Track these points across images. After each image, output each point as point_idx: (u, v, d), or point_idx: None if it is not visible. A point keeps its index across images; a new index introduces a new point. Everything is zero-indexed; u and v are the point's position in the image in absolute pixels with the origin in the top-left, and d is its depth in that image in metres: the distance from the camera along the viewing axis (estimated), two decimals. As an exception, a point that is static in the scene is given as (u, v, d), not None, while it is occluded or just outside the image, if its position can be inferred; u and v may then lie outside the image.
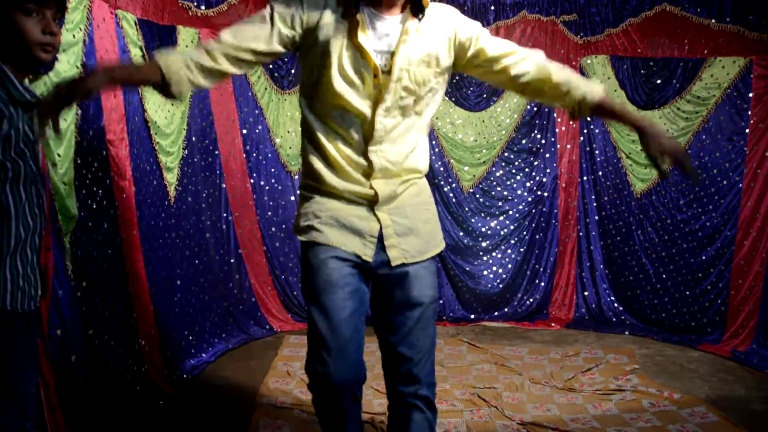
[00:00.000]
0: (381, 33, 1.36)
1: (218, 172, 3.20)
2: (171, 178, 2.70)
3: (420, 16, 1.36)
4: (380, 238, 1.42)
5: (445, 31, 1.39)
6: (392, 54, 1.35)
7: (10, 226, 1.30)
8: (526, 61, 1.42)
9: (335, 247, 1.39)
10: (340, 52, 1.33)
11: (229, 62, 1.34)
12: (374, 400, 2.55)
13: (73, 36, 1.89)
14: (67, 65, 1.85)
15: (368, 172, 1.40)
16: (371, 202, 1.42)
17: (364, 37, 1.33)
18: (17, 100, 1.34)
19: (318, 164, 1.41)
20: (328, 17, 1.33)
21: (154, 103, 2.50)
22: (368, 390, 2.64)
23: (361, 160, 1.39)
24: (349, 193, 1.41)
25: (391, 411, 1.55)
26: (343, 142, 1.39)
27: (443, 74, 1.43)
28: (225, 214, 3.27)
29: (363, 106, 1.36)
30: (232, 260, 3.32)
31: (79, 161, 1.93)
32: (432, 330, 1.48)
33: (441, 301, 3.68)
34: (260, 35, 1.34)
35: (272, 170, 3.53)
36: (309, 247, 1.42)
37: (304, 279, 1.43)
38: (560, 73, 1.44)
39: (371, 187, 1.40)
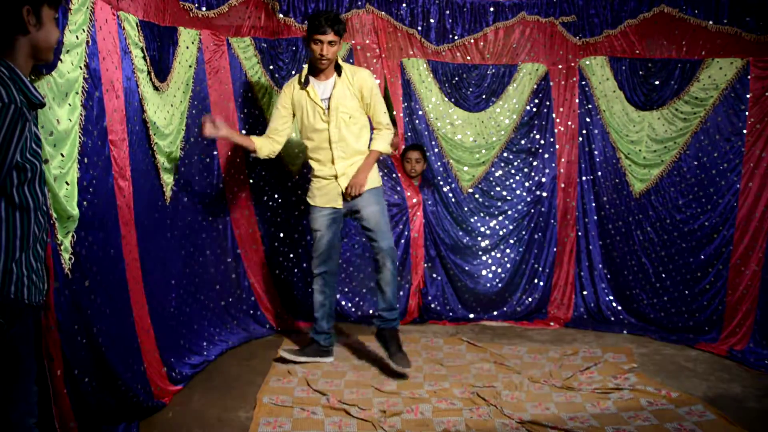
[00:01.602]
0: (322, 90, 2.75)
1: (216, 172, 3.21)
2: (168, 178, 2.71)
3: (340, 74, 2.73)
4: (342, 195, 2.82)
5: (355, 81, 2.74)
6: (329, 98, 2.74)
7: (30, 224, 1.37)
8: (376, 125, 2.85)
9: (321, 207, 2.85)
10: (306, 105, 2.78)
11: (279, 134, 2.86)
12: (374, 399, 2.57)
13: (77, 37, 1.91)
14: (70, 66, 1.86)
15: (332, 159, 2.78)
16: (335, 177, 2.80)
17: (314, 95, 2.75)
18: (33, 102, 1.37)
19: (311, 160, 2.87)
20: (296, 92, 2.79)
21: (154, 104, 2.52)
22: (368, 389, 2.66)
23: (328, 154, 2.78)
24: (324, 174, 2.82)
25: (375, 264, 2.86)
26: (317, 147, 2.81)
27: (360, 105, 2.77)
28: (222, 215, 3.28)
29: (323, 126, 2.75)
30: (230, 259, 3.33)
31: (85, 161, 1.95)
32: (385, 220, 2.84)
33: (440, 301, 3.70)
34: (280, 118, 2.84)
35: (272, 170, 3.54)
36: (310, 206, 2.90)
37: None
38: (378, 136, 2.84)
39: (334, 168, 2.79)
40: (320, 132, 2.73)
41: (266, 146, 2.81)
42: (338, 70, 2.70)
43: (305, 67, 2.77)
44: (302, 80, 2.72)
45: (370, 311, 3.63)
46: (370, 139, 2.82)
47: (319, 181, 2.81)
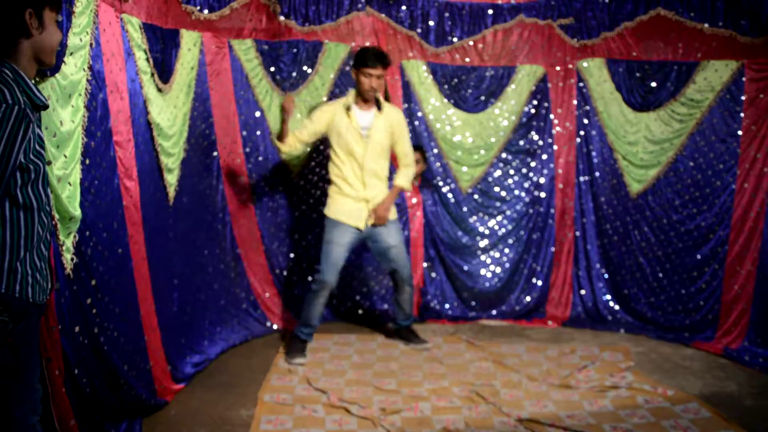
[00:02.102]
0: (362, 118, 2.98)
1: (216, 173, 3.23)
2: (171, 179, 2.73)
3: (380, 109, 2.99)
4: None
5: (390, 119, 3.00)
6: (369, 129, 2.97)
7: (34, 224, 1.39)
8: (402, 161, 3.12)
9: (344, 224, 3.00)
10: (346, 129, 2.96)
11: (302, 141, 3.03)
12: (374, 397, 2.60)
13: (80, 39, 1.93)
14: (74, 68, 1.88)
15: (363, 184, 3.00)
16: (365, 200, 3.01)
17: (356, 122, 2.96)
18: (36, 104, 1.39)
19: (338, 179, 3.03)
20: (339, 115, 2.97)
21: (157, 105, 2.54)
22: (368, 387, 2.69)
23: (359, 179, 3.00)
24: (353, 195, 3.02)
25: (395, 286, 3.19)
26: (348, 170, 3.00)
27: (390, 137, 3.01)
28: (221, 215, 3.30)
29: (359, 151, 2.97)
30: (229, 259, 3.35)
31: (88, 162, 1.97)
32: (405, 252, 3.18)
33: (439, 300, 3.72)
34: (312, 129, 3.02)
35: (273, 171, 3.56)
36: (331, 220, 3.03)
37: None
38: (403, 172, 3.10)
39: (365, 192, 3.00)
40: (355, 157, 2.94)
41: (291, 141, 2.97)
42: (377, 104, 2.98)
43: (351, 92, 3.01)
44: (347, 106, 2.95)
45: (370, 310, 3.65)
46: (392, 174, 3.10)
47: (345, 200, 2.98)
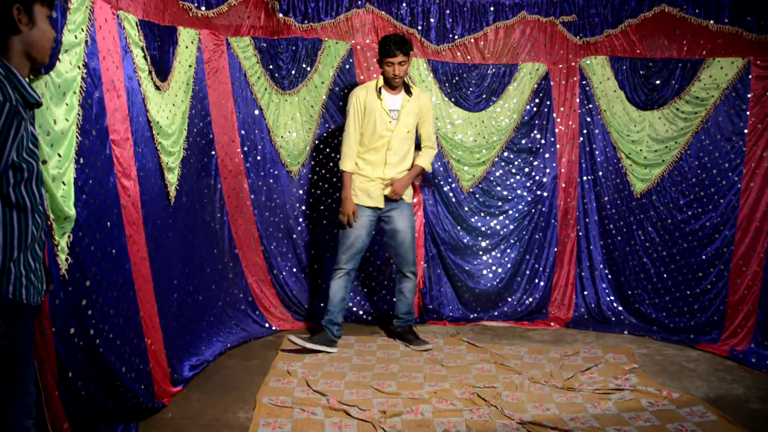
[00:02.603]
0: (392, 101, 3.04)
1: (214, 172, 3.20)
2: (172, 178, 2.71)
3: (410, 94, 3.06)
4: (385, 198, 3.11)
5: (419, 102, 3.08)
6: (399, 111, 3.04)
7: (27, 224, 1.36)
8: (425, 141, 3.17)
9: (363, 206, 3.08)
10: (376, 111, 3.02)
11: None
12: (374, 399, 2.57)
13: (75, 37, 1.90)
14: (68, 65, 1.86)
15: (385, 163, 3.06)
16: (382, 180, 3.07)
17: (385, 105, 3.03)
18: (29, 102, 1.36)
19: (361, 162, 3.08)
20: (370, 98, 3.03)
21: (156, 103, 2.51)
22: (368, 390, 2.65)
23: (382, 159, 3.06)
24: (372, 175, 3.08)
25: (399, 274, 3.22)
26: (373, 150, 3.06)
27: (417, 120, 3.09)
28: (219, 215, 3.27)
29: (387, 133, 3.03)
30: (227, 259, 3.32)
31: (81, 161, 1.94)
32: (412, 238, 3.18)
33: (440, 300, 3.69)
34: (357, 126, 3.05)
35: (271, 170, 3.54)
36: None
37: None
38: (425, 153, 3.15)
39: (384, 172, 3.07)
40: (382, 138, 3.01)
41: (354, 158, 3.06)
42: (406, 88, 3.05)
43: (379, 77, 3.05)
44: (378, 88, 3.01)
45: (371, 311, 3.62)
46: (415, 156, 3.12)
47: (365, 181, 3.04)
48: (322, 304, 3.65)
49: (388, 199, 3.06)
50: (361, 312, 3.65)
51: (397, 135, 3.01)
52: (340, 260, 3.05)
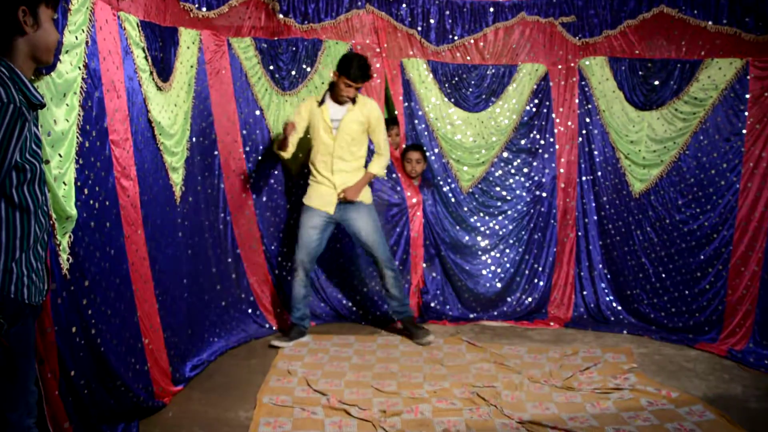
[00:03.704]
0: (335, 111, 3.10)
1: (217, 172, 3.21)
2: (176, 178, 2.71)
3: (354, 103, 3.10)
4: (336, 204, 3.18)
5: (364, 112, 3.11)
6: (340, 121, 3.09)
7: (30, 224, 1.37)
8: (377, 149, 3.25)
9: (316, 208, 3.16)
10: (318, 120, 3.11)
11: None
12: (374, 399, 2.57)
13: (76, 38, 1.91)
14: (69, 66, 1.86)
15: (332, 170, 3.14)
16: (333, 186, 3.14)
17: (326, 114, 3.10)
18: (32, 103, 1.37)
19: (312, 167, 3.19)
20: (314, 107, 3.13)
21: (157, 104, 2.52)
22: (368, 389, 2.66)
23: (329, 165, 3.14)
24: (323, 180, 3.16)
25: (378, 273, 3.31)
26: (320, 156, 3.15)
27: (364, 130, 3.14)
28: (223, 215, 3.28)
29: (329, 141, 3.11)
30: (230, 260, 3.33)
31: (81, 161, 1.94)
32: (379, 233, 3.24)
33: (439, 300, 3.69)
34: (299, 125, 3.15)
35: (272, 171, 3.54)
36: (305, 206, 3.20)
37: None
38: (376, 160, 3.24)
39: (333, 177, 3.14)
40: (326, 145, 3.11)
41: (291, 150, 3.18)
42: (353, 99, 3.09)
43: (325, 87, 3.18)
44: (320, 100, 3.12)
45: (371, 311, 3.63)
46: (367, 161, 3.20)
47: (318, 187, 3.16)
48: (322, 304, 3.66)
49: (342, 203, 3.13)
50: (361, 312, 3.66)
51: (339, 144, 3.08)
52: (295, 258, 3.20)
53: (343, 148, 3.09)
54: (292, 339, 3.20)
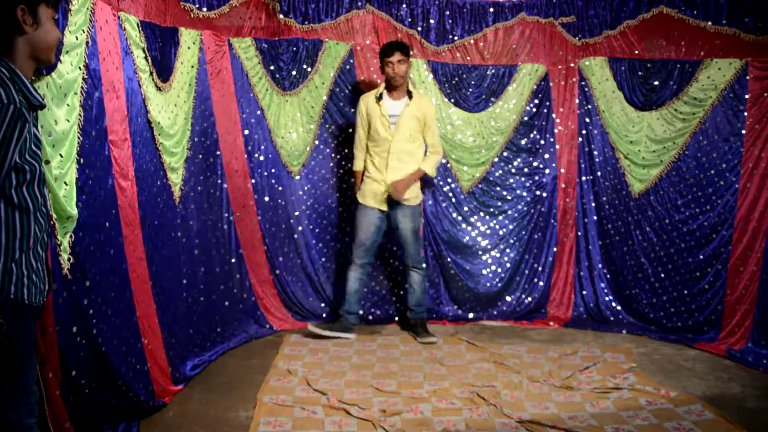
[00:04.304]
0: (392, 107, 3.18)
1: (220, 172, 3.22)
2: (175, 178, 2.71)
3: (411, 98, 3.17)
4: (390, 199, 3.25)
5: (421, 107, 3.18)
6: (398, 116, 3.16)
7: (30, 225, 1.37)
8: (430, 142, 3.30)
9: (370, 207, 3.26)
10: (376, 116, 3.19)
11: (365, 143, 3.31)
12: (374, 398, 2.58)
13: (76, 38, 1.91)
14: (69, 66, 1.87)
15: (387, 167, 3.20)
16: (385, 182, 3.20)
17: (384, 109, 3.17)
18: (32, 104, 1.37)
19: (367, 163, 3.28)
20: (371, 104, 3.20)
21: (157, 104, 2.52)
22: (368, 389, 2.67)
23: (384, 162, 3.21)
24: (377, 177, 3.24)
25: (405, 269, 3.40)
26: (377, 153, 3.23)
27: (421, 125, 3.19)
28: (226, 214, 3.29)
29: (387, 137, 3.18)
30: (233, 260, 3.34)
31: (82, 161, 1.95)
32: (416, 236, 3.31)
33: (439, 300, 3.70)
34: (363, 129, 3.26)
35: (273, 171, 3.55)
36: (360, 204, 3.30)
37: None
38: (429, 158, 3.28)
39: (386, 175, 3.21)
40: (384, 141, 3.18)
41: (361, 158, 3.31)
42: (409, 94, 3.19)
43: (382, 84, 3.24)
44: (378, 95, 3.19)
45: (371, 310, 3.64)
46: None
47: (372, 183, 3.23)
48: (322, 304, 3.67)
49: (393, 200, 3.20)
50: (361, 312, 3.66)
51: (397, 140, 3.14)
52: (354, 256, 3.28)
53: (401, 144, 3.14)
54: (333, 330, 3.22)
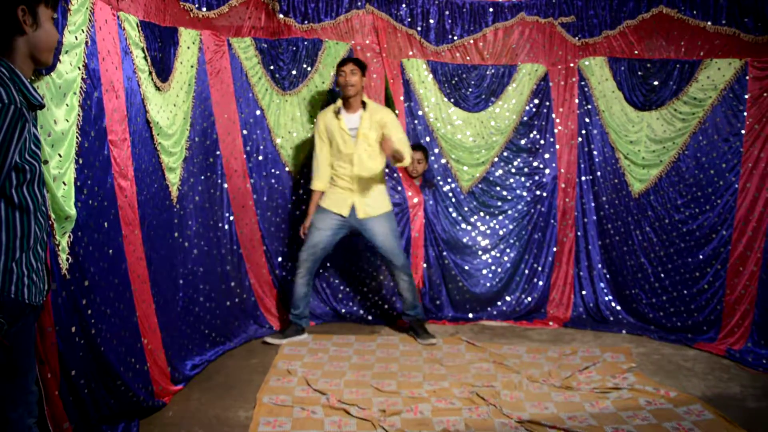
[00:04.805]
0: (349, 120, 3.19)
1: (219, 172, 3.22)
2: (173, 178, 2.71)
3: (366, 110, 3.19)
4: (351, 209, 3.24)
5: (377, 117, 3.18)
6: (357, 129, 3.17)
7: (30, 225, 1.37)
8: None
9: (328, 210, 3.24)
10: (336, 131, 3.19)
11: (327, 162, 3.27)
12: (374, 398, 2.58)
13: (76, 38, 1.91)
14: (68, 66, 1.87)
15: (352, 177, 3.20)
16: (351, 191, 3.21)
17: (343, 124, 3.18)
18: (32, 103, 1.37)
19: (334, 175, 3.24)
20: (329, 120, 3.21)
21: (156, 104, 2.52)
22: (368, 389, 2.67)
23: (350, 173, 3.19)
24: (342, 185, 3.22)
25: (392, 277, 3.35)
26: (340, 166, 3.22)
27: (379, 133, 3.17)
28: (227, 214, 3.29)
29: (349, 150, 3.18)
30: (233, 259, 3.33)
31: (80, 161, 1.95)
32: (397, 242, 3.28)
33: (439, 300, 3.70)
34: (323, 146, 3.24)
35: (273, 170, 3.55)
36: (319, 207, 3.27)
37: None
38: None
39: (354, 184, 3.21)
40: (347, 155, 3.18)
41: (325, 179, 3.25)
42: (364, 105, 3.21)
43: (339, 100, 3.23)
44: (336, 110, 3.20)
45: (371, 310, 3.64)
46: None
47: (336, 190, 3.23)
48: (322, 304, 3.67)
49: (361, 218, 3.18)
50: (361, 311, 3.66)
51: (359, 152, 3.15)
52: (300, 257, 3.23)
53: (363, 155, 3.15)
54: (287, 336, 3.23)
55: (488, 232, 3.71)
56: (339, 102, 3.20)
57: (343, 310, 3.65)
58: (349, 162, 3.16)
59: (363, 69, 3.16)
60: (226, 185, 3.25)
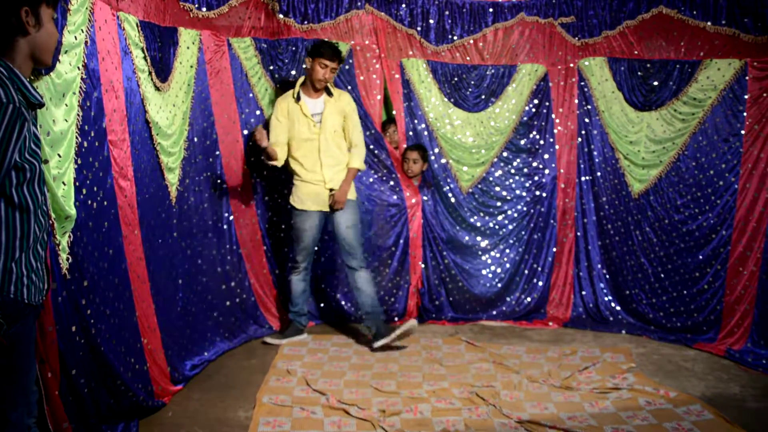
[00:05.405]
0: (313, 105, 3.11)
1: (219, 172, 3.22)
2: (172, 178, 2.71)
3: (330, 95, 3.12)
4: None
5: (341, 103, 3.13)
6: (321, 114, 3.10)
7: (30, 224, 1.37)
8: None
9: (310, 210, 3.15)
10: (298, 118, 3.10)
11: (284, 144, 3.13)
12: (373, 398, 2.58)
13: (75, 38, 1.91)
14: (68, 66, 1.87)
15: (321, 166, 3.11)
16: (323, 182, 3.12)
17: (306, 109, 3.10)
18: (31, 103, 1.37)
19: (296, 166, 3.15)
20: (291, 105, 3.10)
21: (155, 104, 2.52)
22: (367, 389, 2.67)
23: (317, 162, 3.11)
24: (312, 179, 3.13)
25: (348, 273, 3.25)
26: (305, 155, 3.12)
27: (343, 119, 3.14)
28: (226, 214, 3.29)
29: (313, 137, 3.10)
30: (233, 259, 3.33)
31: (79, 161, 1.95)
32: (357, 238, 3.20)
33: (439, 300, 3.70)
34: (280, 129, 3.11)
35: (273, 170, 3.54)
36: (297, 209, 3.18)
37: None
38: (354, 154, 3.19)
39: (322, 174, 3.12)
40: (310, 141, 3.08)
41: (281, 153, 3.11)
42: (327, 90, 3.12)
43: (298, 82, 3.12)
44: (295, 96, 3.09)
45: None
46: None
47: (307, 186, 3.12)
48: (322, 304, 3.67)
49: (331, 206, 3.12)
50: (361, 312, 3.66)
51: (324, 137, 3.08)
52: (297, 259, 3.23)
53: (329, 141, 3.08)
54: (286, 337, 3.22)
55: (488, 232, 3.71)
56: (298, 86, 3.10)
57: (343, 311, 3.65)
58: (316, 149, 3.07)
59: (341, 65, 3.14)
60: (225, 185, 3.25)
